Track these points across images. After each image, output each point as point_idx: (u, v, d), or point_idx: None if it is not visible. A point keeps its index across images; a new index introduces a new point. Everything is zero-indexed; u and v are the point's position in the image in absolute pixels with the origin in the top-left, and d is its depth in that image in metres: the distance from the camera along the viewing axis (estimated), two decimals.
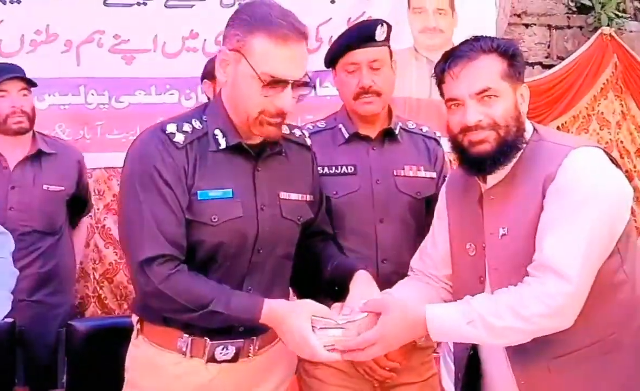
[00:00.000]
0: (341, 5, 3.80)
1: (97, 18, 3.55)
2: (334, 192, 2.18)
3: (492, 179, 1.78)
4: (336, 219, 2.17)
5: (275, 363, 1.88)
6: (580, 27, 4.59)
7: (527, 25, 4.59)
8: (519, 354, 1.70)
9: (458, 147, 1.77)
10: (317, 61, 3.72)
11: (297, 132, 1.94)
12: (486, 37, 1.79)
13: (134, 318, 1.88)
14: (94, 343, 2.46)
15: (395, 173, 2.22)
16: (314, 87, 3.79)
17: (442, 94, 1.81)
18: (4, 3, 3.47)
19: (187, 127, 1.75)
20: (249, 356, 1.80)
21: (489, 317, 1.64)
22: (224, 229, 1.73)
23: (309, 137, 2.07)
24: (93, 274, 3.67)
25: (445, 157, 2.36)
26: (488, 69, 1.72)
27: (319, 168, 2.12)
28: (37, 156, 3.02)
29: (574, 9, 4.59)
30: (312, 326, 1.67)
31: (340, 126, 2.26)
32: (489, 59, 1.73)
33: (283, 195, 1.82)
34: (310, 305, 1.73)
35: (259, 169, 1.79)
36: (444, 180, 2.27)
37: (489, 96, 1.71)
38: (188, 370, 1.78)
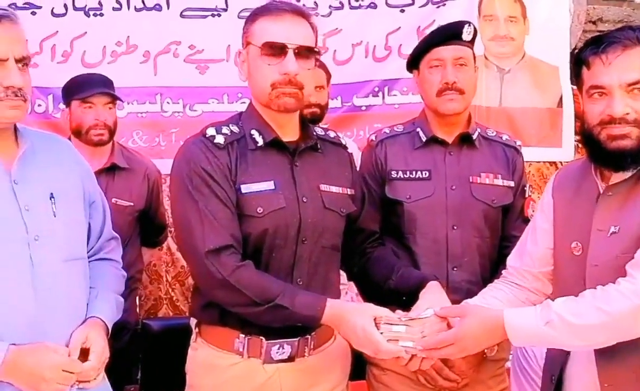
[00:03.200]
0: (410, 14, 3.79)
1: (173, 29, 3.68)
2: (407, 197, 2.18)
3: (618, 176, 1.69)
4: (408, 223, 2.17)
5: (331, 364, 1.92)
6: None
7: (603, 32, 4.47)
8: (608, 355, 1.64)
9: (592, 140, 1.68)
10: (385, 69, 3.80)
11: (332, 134, 2.02)
12: None
13: (192, 322, 1.95)
14: (166, 341, 2.55)
15: (471, 180, 2.20)
16: (378, 94, 3.80)
17: (579, 81, 1.73)
18: (88, 16, 3.63)
19: (225, 130, 1.85)
20: (304, 356, 1.84)
21: (568, 316, 1.59)
22: (269, 220, 1.79)
23: (383, 140, 2.18)
24: (166, 276, 3.79)
25: (524, 167, 2.33)
26: None
27: (392, 172, 2.16)
28: (112, 169, 3.06)
29: None
30: (376, 323, 1.70)
31: (418, 129, 2.25)
32: None
33: (323, 187, 1.88)
34: (372, 307, 1.77)
35: (296, 164, 1.86)
36: (522, 190, 2.23)
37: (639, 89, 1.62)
38: (245, 370, 1.83)
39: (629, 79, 1.62)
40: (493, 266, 2.21)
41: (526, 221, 2.23)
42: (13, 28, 1.65)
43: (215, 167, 1.79)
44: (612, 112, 1.63)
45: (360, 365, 2.18)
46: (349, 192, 1.95)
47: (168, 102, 3.71)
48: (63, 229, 1.74)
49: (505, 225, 2.23)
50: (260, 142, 1.84)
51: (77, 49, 3.62)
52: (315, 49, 1.85)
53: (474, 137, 2.25)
